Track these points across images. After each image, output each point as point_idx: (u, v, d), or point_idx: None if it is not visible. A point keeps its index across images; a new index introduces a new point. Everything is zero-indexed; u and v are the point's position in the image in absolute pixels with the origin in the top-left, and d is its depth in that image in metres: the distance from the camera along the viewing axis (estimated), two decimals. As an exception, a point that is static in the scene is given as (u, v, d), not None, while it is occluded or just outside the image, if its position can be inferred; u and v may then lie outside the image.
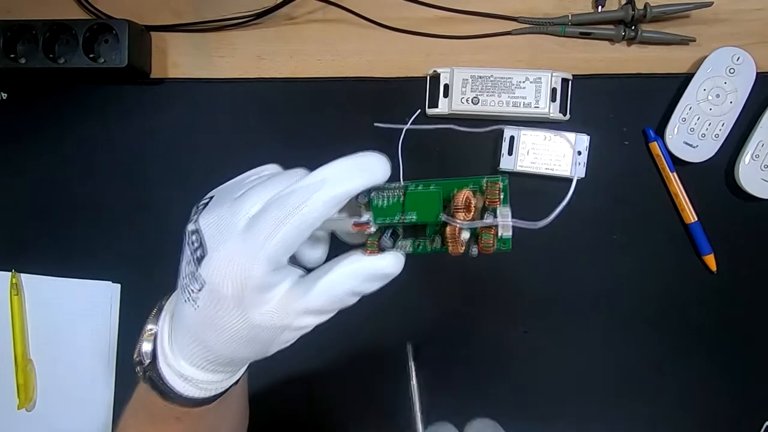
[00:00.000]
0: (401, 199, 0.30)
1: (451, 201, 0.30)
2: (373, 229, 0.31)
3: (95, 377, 0.57)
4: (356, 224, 0.31)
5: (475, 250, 0.31)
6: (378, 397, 0.56)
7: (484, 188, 0.31)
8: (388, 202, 0.30)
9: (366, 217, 0.31)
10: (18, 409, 0.57)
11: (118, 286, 0.57)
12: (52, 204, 0.57)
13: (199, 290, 0.29)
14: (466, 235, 0.31)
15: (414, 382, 0.29)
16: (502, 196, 0.31)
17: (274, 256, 0.28)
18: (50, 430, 0.59)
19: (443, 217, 0.30)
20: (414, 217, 0.30)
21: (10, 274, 0.57)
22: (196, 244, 0.29)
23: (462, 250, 0.31)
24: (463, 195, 0.30)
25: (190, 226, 0.30)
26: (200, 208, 0.31)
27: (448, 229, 0.30)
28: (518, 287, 0.54)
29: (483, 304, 0.54)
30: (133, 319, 0.57)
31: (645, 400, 0.54)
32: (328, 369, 0.55)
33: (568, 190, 0.31)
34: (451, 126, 0.44)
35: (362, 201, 0.31)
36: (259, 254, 0.28)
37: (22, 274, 0.57)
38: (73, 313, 0.57)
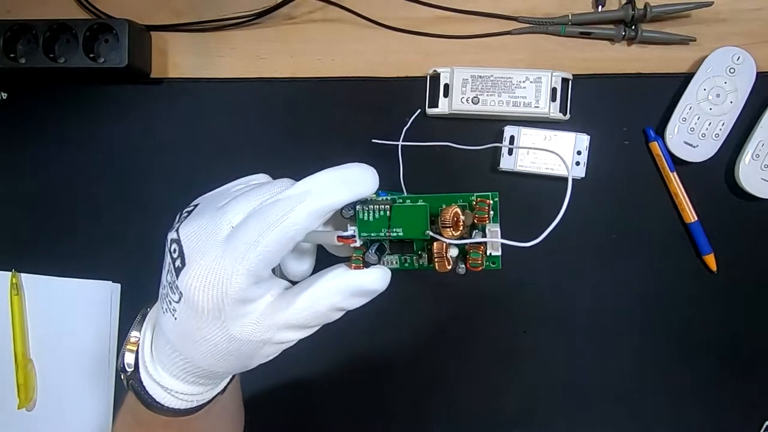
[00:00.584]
0: (387, 213, 0.29)
1: (439, 217, 0.29)
2: (358, 243, 0.30)
3: (95, 377, 0.57)
4: (341, 238, 0.30)
5: (462, 268, 0.30)
6: (379, 401, 0.56)
7: (474, 205, 0.30)
8: (374, 217, 0.29)
9: (351, 230, 0.30)
10: (18, 409, 0.57)
11: (118, 286, 0.57)
12: (52, 204, 0.57)
13: (178, 302, 0.28)
14: (453, 252, 0.30)
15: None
16: (491, 214, 0.30)
17: (254, 269, 0.27)
18: (50, 430, 0.59)
19: (430, 234, 0.29)
20: (400, 232, 0.29)
21: (10, 274, 0.57)
22: (175, 254, 0.29)
23: (449, 267, 0.30)
24: (451, 211, 0.29)
25: (171, 235, 0.29)
26: (183, 216, 0.31)
27: (435, 245, 0.29)
28: (517, 287, 0.54)
29: (482, 304, 0.54)
30: (133, 319, 0.57)
31: (645, 399, 0.54)
32: (328, 372, 0.55)
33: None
34: (449, 144, 0.43)
35: (347, 214, 0.30)
36: (239, 267, 0.27)
37: (22, 274, 0.57)
38: (73, 313, 0.57)
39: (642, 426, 0.54)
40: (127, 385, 0.33)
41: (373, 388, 0.55)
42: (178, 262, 0.28)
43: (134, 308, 0.56)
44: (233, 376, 0.36)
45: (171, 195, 0.56)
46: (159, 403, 0.32)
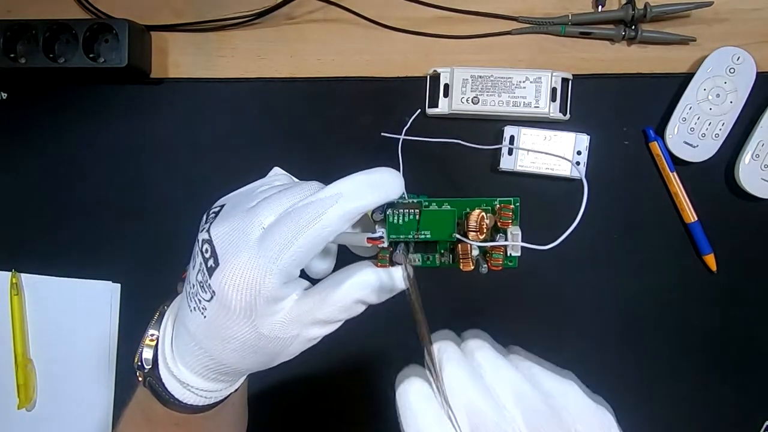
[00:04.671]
0: (417, 217, 0.31)
1: (465, 220, 0.31)
2: (386, 244, 0.31)
3: (95, 377, 0.57)
4: (370, 239, 0.31)
5: (485, 268, 0.32)
6: (380, 399, 0.56)
7: (496, 209, 0.32)
8: (404, 220, 0.31)
9: (380, 232, 0.31)
10: (18, 409, 0.57)
11: (118, 286, 0.57)
12: (52, 204, 0.57)
13: (209, 300, 0.29)
14: (475, 252, 0.32)
15: (411, 289, 0.30)
16: (512, 217, 0.32)
17: (286, 269, 0.28)
18: (50, 430, 0.59)
19: (456, 236, 0.31)
20: (428, 234, 0.31)
21: (10, 274, 0.57)
22: (207, 254, 0.29)
23: (473, 267, 0.32)
24: (477, 215, 0.31)
25: (202, 236, 0.30)
26: (211, 216, 0.31)
27: (460, 247, 0.32)
28: (518, 287, 0.54)
29: (482, 304, 0.54)
30: (133, 319, 0.57)
31: (645, 399, 0.54)
32: (330, 372, 0.55)
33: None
34: (458, 141, 0.45)
35: (378, 218, 0.31)
36: (272, 267, 0.28)
37: (22, 274, 0.57)
38: (73, 313, 0.57)
39: (642, 426, 0.54)
40: (144, 382, 0.34)
41: (375, 385, 0.55)
42: (210, 262, 0.29)
43: (134, 308, 0.57)
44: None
45: (171, 195, 0.56)
46: (176, 399, 0.33)
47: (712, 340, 0.53)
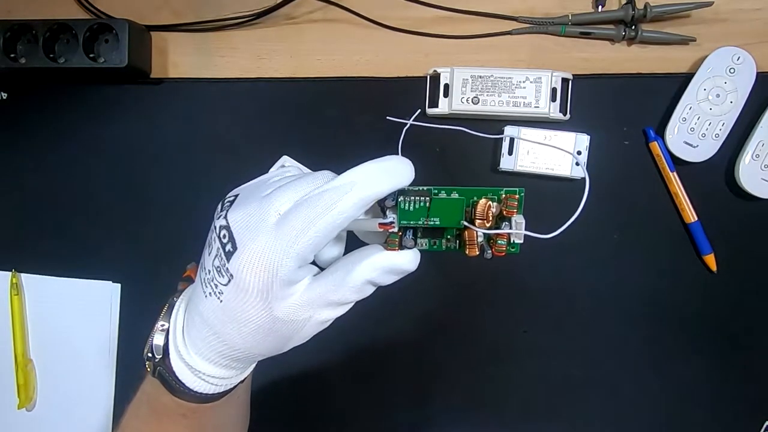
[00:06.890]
0: (427, 204, 0.32)
1: (473, 208, 0.33)
2: (396, 229, 0.33)
3: (95, 377, 0.57)
4: (382, 224, 0.32)
5: (489, 253, 0.34)
6: (380, 395, 0.56)
7: (502, 198, 0.34)
8: (414, 207, 0.32)
9: (391, 217, 0.32)
10: (18, 409, 0.57)
11: (118, 286, 0.57)
12: (52, 204, 0.57)
13: (226, 284, 0.30)
14: (481, 238, 0.34)
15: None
16: (517, 207, 0.33)
17: (303, 253, 0.29)
18: (50, 430, 0.59)
19: (464, 224, 0.33)
20: (437, 221, 0.33)
21: (10, 274, 0.57)
22: (225, 239, 0.30)
23: (478, 252, 0.34)
24: (484, 204, 0.33)
25: (220, 222, 0.31)
26: (226, 204, 0.32)
27: (466, 233, 0.33)
28: (518, 287, 0.54)
29: (483, 304, 0.54)
30: (133, 319, 0.57)
31: (645, 399, 0.54)
32: (330, 368, 0.55)
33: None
34: (461, 128, 0.45)
35: (390, 204, 0.32)
36: (290, 250, 0.29)
37: (22, 274, 0.57)
38: (73, 313, 0.57)
39: (642, 426, 0.54)
40: (153, 372, 0.34)
41: (374, 381, 0.56)
42: (228, 247, 0.30)
43: (134, 308, 0.57)
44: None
45: (171, 195, 0.56)
46: (186, 387, 0.33)
47: (712, 340, 0.53)
